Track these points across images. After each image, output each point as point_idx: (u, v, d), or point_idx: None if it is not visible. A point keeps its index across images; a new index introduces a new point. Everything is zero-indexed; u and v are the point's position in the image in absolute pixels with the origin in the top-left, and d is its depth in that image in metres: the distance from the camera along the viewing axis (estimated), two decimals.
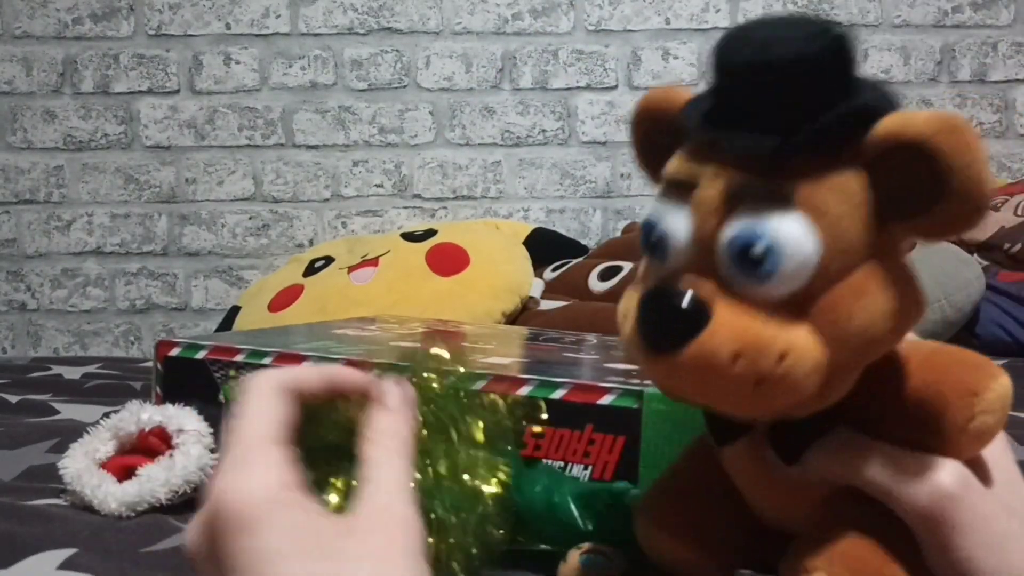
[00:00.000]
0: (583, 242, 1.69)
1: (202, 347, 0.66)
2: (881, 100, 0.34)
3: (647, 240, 0.36)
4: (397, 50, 1.76)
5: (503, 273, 1.42)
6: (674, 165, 0.37)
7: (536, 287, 1.44)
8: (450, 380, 0.44)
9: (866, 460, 0.36)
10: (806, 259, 0.33)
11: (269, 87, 1.76)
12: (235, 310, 1.55)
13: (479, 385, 0.58)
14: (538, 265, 1.50)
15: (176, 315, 1.78)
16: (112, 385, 1.09)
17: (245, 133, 1.76)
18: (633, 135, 0.42)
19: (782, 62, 0.32)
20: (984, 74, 1.77)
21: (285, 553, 0.31)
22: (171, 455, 0.60)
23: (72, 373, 1.17)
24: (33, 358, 1.44)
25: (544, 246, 1.58)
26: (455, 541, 0.40)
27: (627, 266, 1.39)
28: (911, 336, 0.38)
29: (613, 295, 1.34)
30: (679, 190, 0.36)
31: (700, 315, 0.33)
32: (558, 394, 0.55)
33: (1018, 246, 1.39)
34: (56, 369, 1.20)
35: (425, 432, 0.41)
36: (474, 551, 0.41)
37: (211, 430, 0.61)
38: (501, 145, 1.77)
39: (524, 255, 1.50)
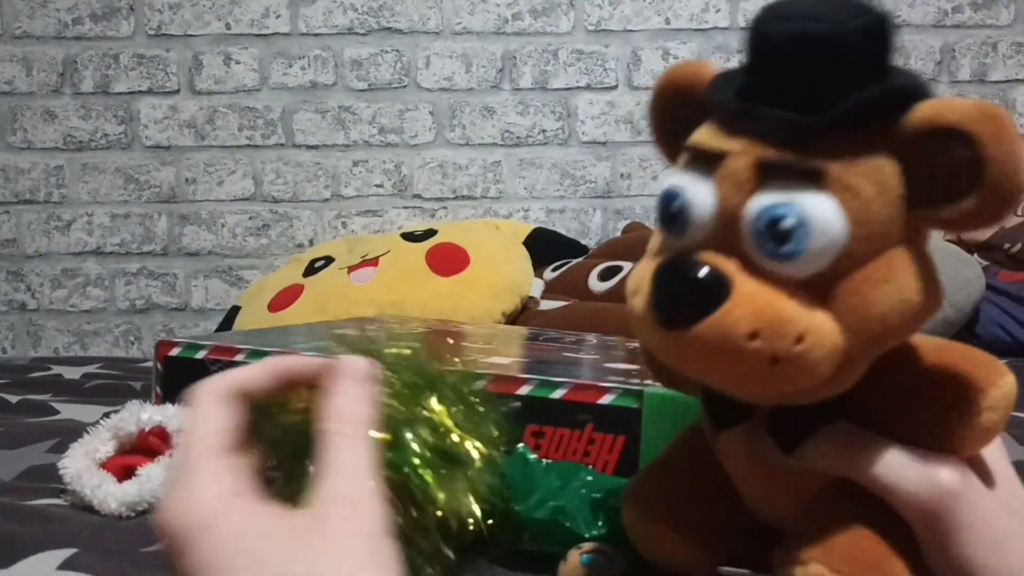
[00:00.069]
0: (583, 242, 1.69)
1: (202, 347, 0.66)
2: (916, 85, 0.34)
3: (666, 211, 0.35)
4: (397, 50, 1.76)
5: (503, 273, 1.42)
6: (701, 136, 0.36)
7: (536, 287, 1.44)
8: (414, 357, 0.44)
9: (866, 454, 0.36)
10: (833, 240, 0.32)
11: (269, 87, 1.76)
12: (235, 310, 1.55)
13: (479, 384, 0.58)
14: (538, 265, 1.50)
15: (176, 315, 1.78)
16: (112, 385, 1.09)
17: (245, 133, 1.76)
18: (653, 107, 0.40)
19: (820, 38, 0.32)
20: (984, 74, 1.77)
21: (232, 564, 0.31)
22: (171, 455, 0.60)
23: (72, 373, 1.17)
24: (33, 358, 1.44)
25: (544, 246, 1.58)
26: (440, 513, 0.39)
27: (627, 266, 1.39)
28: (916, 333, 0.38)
29: (613, 295, 1.34)
30: (705, 162, 0.35)
31: (719, 289, 0.32)
32: (558, 394, 0.56)
33: (1018, 246, 1.39)
34: (56, 369, 1.20)
35: (396, 402, 0.40)
36: (460, 521, 0.41)
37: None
38: (501, 145, 1.77)
39: (524, 255, 1.50)
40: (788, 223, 0.32)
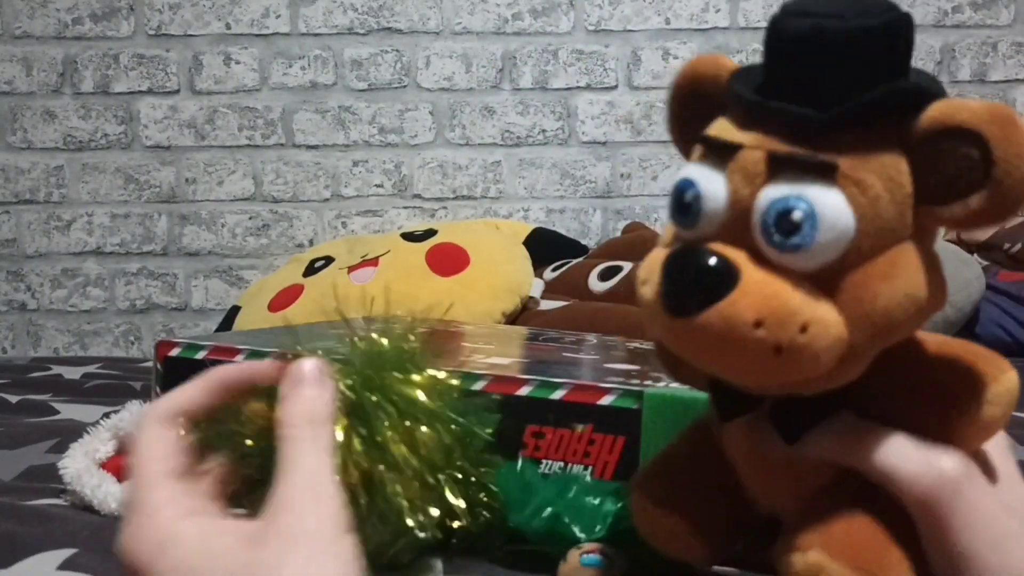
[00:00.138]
0: (583, 242, 1.69)
1: (202, 347, 0.66)
2: (930, 85, 0.34)
3: (678, 202, 0.36)
4: (397, 50, 1.76)
5: (503, 273, 1.42)
6: (717, 128, 0.36)
7: (536, 287, 1.44)
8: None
9: (869, 442, 0.36)
10: (841, 233, 0.33)
11: (269, 87, 1.76)
12: (235, 310, 1.55)
13: (479, 385, 0.58)
14: (538, 265, 1.50)
15: (176, 315, 1.78)
16: (112, 385, 1.09)
17: (245, 133, 1.76)
18: (672, 99, 0.41)
19: (836, 34, 0.33)
20: (984, 74, 1.77)
21: None
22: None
23: (72, 373, 1.17)
24: (33, 358, 1.45)
25: (544, 246, 1.58)
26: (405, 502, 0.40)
27: (627, 266, 1.39)
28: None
29: (613, 295, 1.34)
30: (719, 154, 0.35)
31: (726, 279, 0.33)
32: (558, 394, 0.56)
33: (1018, 246, 1.39)
34: (56, 369, 1.20)
35: (354, 396, 0.40)
36: (431, 508, 0.41)
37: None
38: (501, 145, 1.77)
39: (524, 255, 1.50)
40: (797, 215, 0.33)
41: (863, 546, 0.35)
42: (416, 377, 0.42)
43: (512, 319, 1.37)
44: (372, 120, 1.76)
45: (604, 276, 1.40)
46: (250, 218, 1.77)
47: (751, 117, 0.35)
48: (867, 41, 0.33)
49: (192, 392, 0.38)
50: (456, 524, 0.45)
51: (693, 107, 0.39)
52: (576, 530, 0.49)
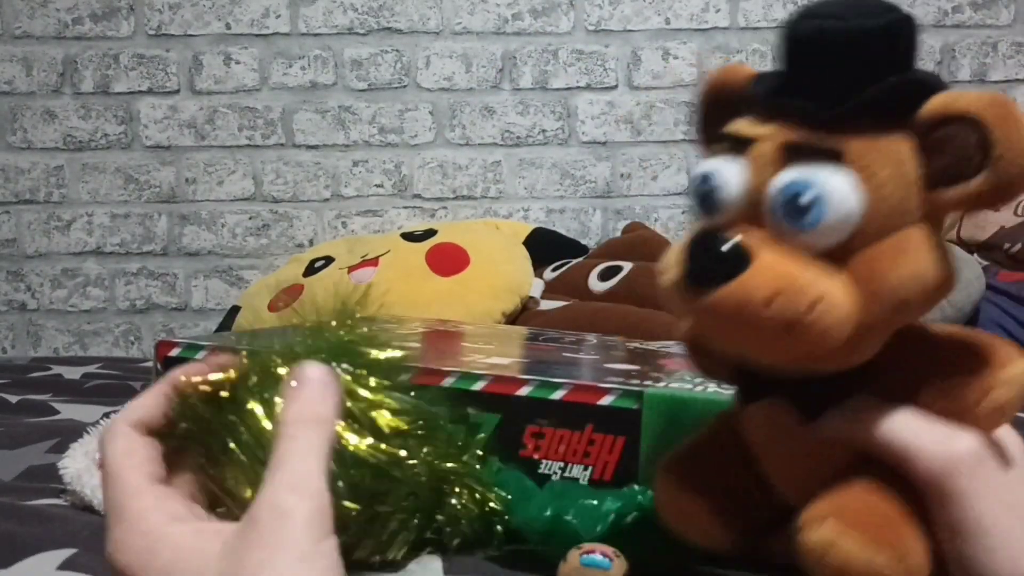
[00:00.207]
0: (583, 242, 1.69)
1: (202, 347, 0.66)
2: (932, 80, 0.37)
3: (699, 192, 0.38)
4: (397, 50, 1.76)
5: (503, 273, 1.42)
6: (736, 125, 0.39)
7: (536, 287, 1.44)
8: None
9: (885, 420, 0.37)
10: (850, 213, 0.35)
11: (269, 87, 1.76)
12: (235, 310, 1.55)
13: (480, 385, 0.58)
14: (538, 265, 1.49)
15: (176, 315, 1.78)
16: (112, 385, 1.09)
17: (245, 133, 1.76)
18: (701, 103, 0.44)
19: (842, 34, 0.36)
20: (984, 74, 1.77)
21: None
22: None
23: (72, 373, 1.17)
24: (33, 358, 1.45)
25: (544, 246, 1.58)
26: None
27: (627, 266, 1.39)
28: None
29: (613, 295, 1.34)
30: (737, 147, 0.38)
31: (741, 259, 0.35)
32: (558, 395, 0.56)
33: (1018, 246, 1.39)
34: (56, 369, 1.20)
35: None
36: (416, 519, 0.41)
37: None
38: (501, 145, 1.77)
39: (524, 255, 1.50)
40: (807, 197, 0.35)
41: (879, 520, 0.36)
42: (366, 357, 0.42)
43: (512, 319, 1.37)
44: (372, 120, 1.76)
45: (604, 276, 1.40)
46: (250, 218, 1.77)
47: (767, 113, 0.38)
48: (867, 40, 0.36)
49: (146, 403, 0.38)
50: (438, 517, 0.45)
51: (717, 111, 0.42)
52: (578, 529, 0.49)
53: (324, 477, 0.34)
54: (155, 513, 0.34)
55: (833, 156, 0.35)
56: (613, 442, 0.54)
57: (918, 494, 0.37)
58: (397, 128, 1.76)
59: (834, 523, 0.36)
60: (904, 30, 0.36)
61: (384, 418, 0.43)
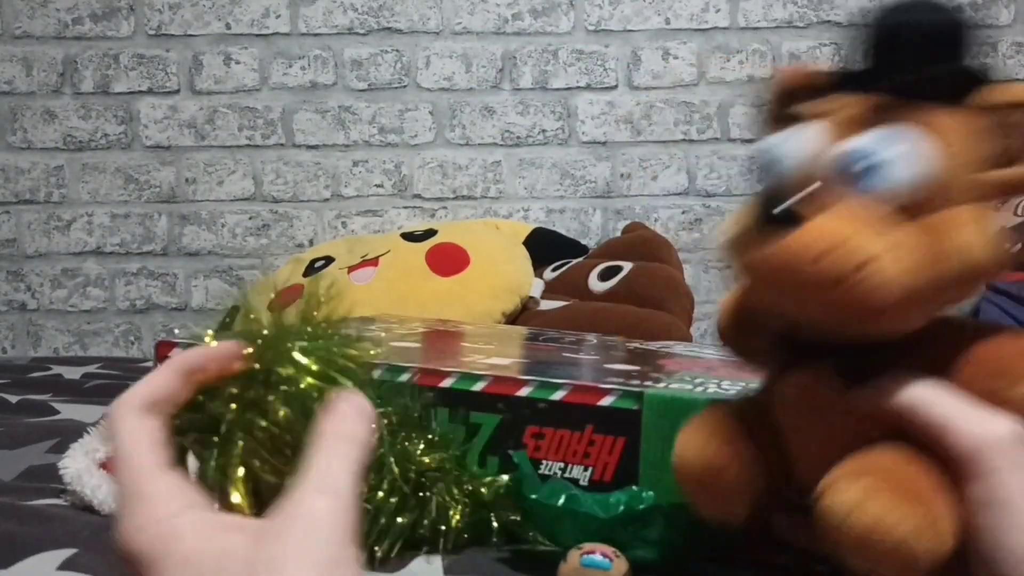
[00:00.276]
0: (583, 242, 1.69)
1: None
2: (989, 68, 0.41)
3: (763, 160, 0.41)
4: (397, 50, 1.76)
5: (503, 273, 1.42)
6: (810, 105, 0.41)
7: (536, 287, 1.44)
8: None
9: (927, 394, 0.38)
10: (926, 175, 0.37)
11: (269, 87, 1.76)
12: (235, 310, 1.55)
13: (480, 385, 0.58)
14: (538, 265, 1.49)
15: (176, 315, 1.78)
16: (112, 385, 1.09)
17: (245, 133, 1.76)
18: (773, 90, 0.46)
19: (928, 26, 0.39)
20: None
21: None
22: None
23: (72, 373, 1.17)
24: (33, 358, 1.45)
25: (544, 246, 1.58)
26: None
27: (627, 266, 1.39)
28: None
29: (613, 295, 1.34)
30: (809, 120, 0.40)
31: (795, 218, 0.37)
32: (558, 395, 0.56)
33: (1018, 246, 1.39)
34: (56, 369, 1.20)
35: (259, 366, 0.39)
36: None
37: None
38: (501, 145, 1.77)
39: (524, 255, 1.50)
40: (873, 160, 0.37)
41: (911, 484, 0.36)
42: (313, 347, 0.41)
43: (512, 319, 1.37)
44: (372, 120, 1.76)
45: (604, 276, 1.40)
46: (250, 218, 1.77)
47: (843, 89, 0.40)
48: (945, 31, 0.39)
49: (161, 380, 0.37)
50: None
51: (784, 98, 0.44)
52: (592, 512, 0.50)
53: (353, 487, 0.34)
54: (170, 499, 0.33)
55: (906, 123, 0.37)
56: (613, 443, 0.54)
57: (947, 469, 0.37)
58: (397, 128, 1.76)
59: (866, 481, 0.36)
60: (968, 25, 0.40)
61: None
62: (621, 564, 0.47)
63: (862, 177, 0.37)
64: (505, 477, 0.54)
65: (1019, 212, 1.43)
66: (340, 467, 0.35)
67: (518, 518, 0.53)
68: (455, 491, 0.52)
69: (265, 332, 0.41)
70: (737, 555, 0.52)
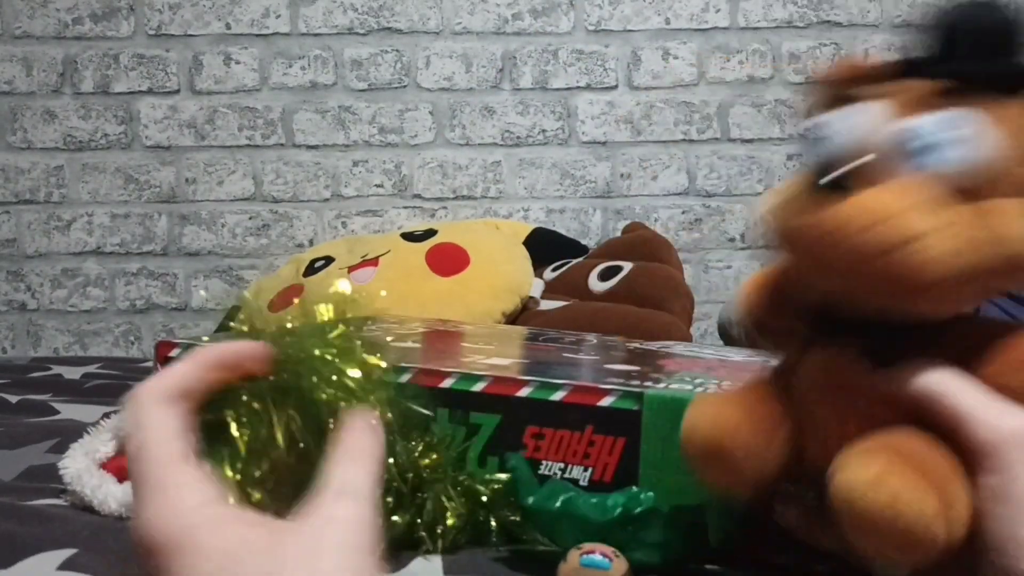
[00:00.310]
0: (583, 242, 1.69)
1: (202, 347, 0.66)
2: None
3: (814, 137, 0.41)
4: (397, 50, 1.76)
5: (503, 273, 1.42)
6: (871, 88, 0.41)
7: (536, 287, 1.44)
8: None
9: (952, 382, 0.38)
10: (989, 159, 0.37)
11: (269, 87, 1.76)
12: (235, 310, 1.55)
13: (479, 386, 0.58)
14: (538, 265, 1.49)
15: (176, 315, 1.78)
16: (112, 385, 1.09)
17: (245, 133, 1.76)
18: (827, 80, 0.45)
19: (985, 24, 0.40)
20: None
21: None
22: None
23: (72, 373, 1.17)
24: (33, 358, 1.45)
25: (544, 246, 1.58)
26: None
27: (627, 266, 1.39)
28: None
29: (613, 295, 1.34)
30: (867, 100, 0.41)
31: (847, 188, 0.37)
32: (558, 395, 0.56)
33: None
34: (56, 369, 1.20)
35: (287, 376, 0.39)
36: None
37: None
38: (501, 145, 1.77)
39: (524, 255, 1.50)
40: (934, 138, 0.37)
41: (930, 466, 0.36)
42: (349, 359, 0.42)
43: (512, 319, 1.37)
44: (372, 120, 1.76)
45: (604, 276, 1.40)
46: (250, 218, 1.77)
47: (905, 75, 0.41)
48: (1005, 28, 0.40)
49: (187, 371, 0.37)
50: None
51: (838, 86, 0.44)
52: (589, 515, 0.50)
53: (374, 496, 0.34)
54: (193, 492, 0.33)
55: (981, 108, 0.38)
56: (613, 443, 0.54)
57: (963, 460, 0.37)
58: (397, 128, 1.76)
59: (885, 458, 0.36)
60: (1017, 24, 0.40)
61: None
62: (621, 564, 0.47)
63: (919, 155, 0.38)
64: (504, 476, 0.54)
65: None
66: (361, 477, 0.35)
67: (517, 518, 0.53)
68: (452, 491, 0.52)
69: (288, 339, 0.41)
70: (737, 555, 0.52)
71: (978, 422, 0.37)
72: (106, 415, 0.66)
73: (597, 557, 0.47)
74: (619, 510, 0.50)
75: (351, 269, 1.45)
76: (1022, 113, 0.38)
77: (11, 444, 0.76)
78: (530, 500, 0.51)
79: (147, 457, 0.34)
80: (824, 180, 0.38)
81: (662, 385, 0.57)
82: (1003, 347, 0.39)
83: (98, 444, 0.62)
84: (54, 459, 0.64)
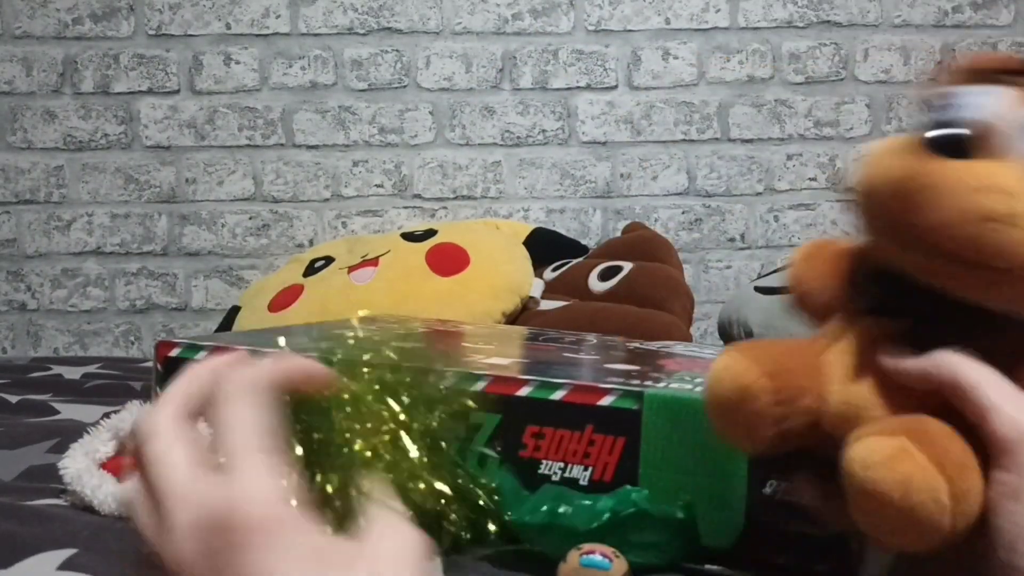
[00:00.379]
0: (583, 242, 1.69)
1: (202, 347, 0.66)
2: None
3: (940, 105, 0.40)
4: (397, 50, 1.76)
5: (503, 273, 1.42)
6: (1009, 78, 0.41)
7: (536, 287, 1.44)
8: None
9: (979, 372, 0.38)
10: None
11: (269, 87, 1.76)
12: (235, 310, 1.55)
13: (480, 385, 0.58)
14: (538, 265, 1.49)
15: (176, 315, 1.78)
16: (112, 385, 1.09)
17: (245, 133, 1.76)
18: (965, 66, 0.45)
19: None
20: None
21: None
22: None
23: (72, 373, 1.17)
24: (33, 358, 1.44)
25: (544, 246, 1.58)
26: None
27: (627, 266, 1.39)
28: None
29: (613, 295, 1.34)
30: (1005, 85, 0.40)
31: (963, 151, 0.37)
32: (558, 395, 0.56)
33: None
34: (56, 369, 1.20)
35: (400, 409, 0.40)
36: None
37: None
38: (501, 145, 1.77)
39: (524, 255, 1.50)
40: None
41: (950, 456, 0.36)
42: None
43: (512, 319, 1.37)
44: (372, 120, 1.76)
45: (604, 276, 1.40)
46: (250, 218, 1.77)
47: None
48: None
49: (275, 370, 0.37)
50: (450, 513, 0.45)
51: (975, 73, 0.44)
52: (573, 525, 0.50)
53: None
54: (272, 488, 0.33)
55: None
56: (613, 443, 0.54)
57: (983, 454, 0.37)
58: (397, 128, 1.76)
59: (900, 440, 0.36)
60: None
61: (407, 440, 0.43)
62: (621, 564, 0.47)
63: None
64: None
65: None
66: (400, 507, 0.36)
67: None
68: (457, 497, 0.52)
69: (367, 372, 0.42)
70: (737, 555, 0.52)
71: (999, 416, 0.37)
72: (106, 415, 0.66)
73: (597, 557, 0.47)
74: (607, 515, 0.50)
75: (351, 269, 1.45)
76: None
77: (11, 444, 0.76)
78: (511, 516, 0.51)
79: (229, 442, 0.34)
80: (936, 134, 0.38)
81: (662, 385, 0.57)
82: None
83: (98, 444, 0.62)
84: (54, 459, 0.64)
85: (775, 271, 1.44)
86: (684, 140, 1.77)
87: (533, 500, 0.52)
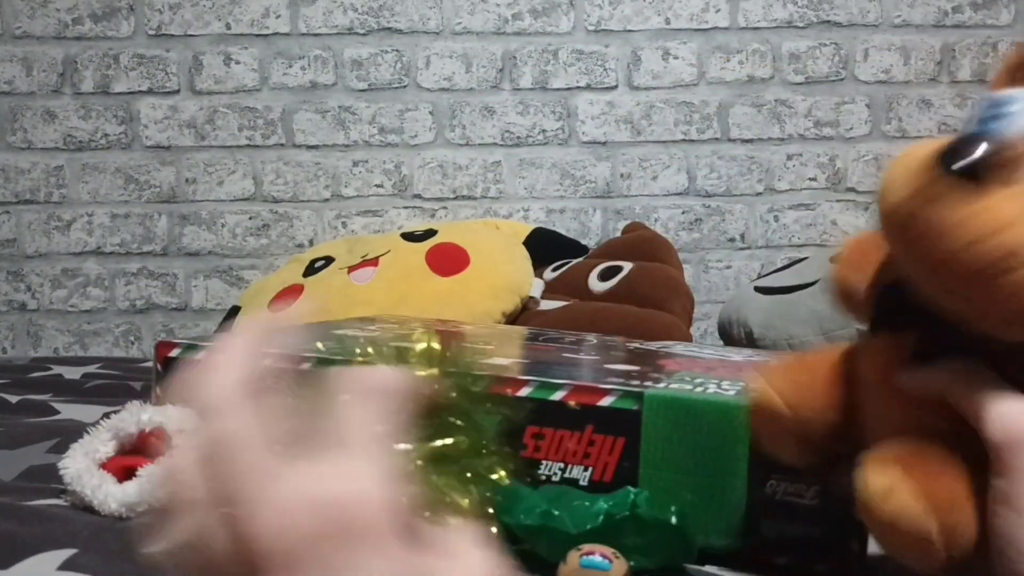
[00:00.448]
0: (583, 242, 1.69)
1: (202, 347, 0.66)
2: None
3: (987, 107, 0.39)
4: (397, 50, 1.76)
5: (503, 273, 1.42)
6: None
7: (536, 287, 1.44)
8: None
9: (979, 380, 0.38)
10: None
11: (269, 87, 1.76)
12: (235, 310, 1.55)
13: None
14: (538, 265, 1.49)
15: (176, 315, 1.78)
16: (112, 385, 1.09)
17: (245, 133, 1.76)
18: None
19: None
20: (984, 74, 1.77)
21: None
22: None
23: (72, 373, 1.17)
24: (33, 358, 1.44)
25: (544, 246, 1.58)
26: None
27: (627, 266, 1.39)
28: None
29: (613, 295, 1.34)
30: None
31: (981, 173, 0.35)
32: (558, 395, 0.56)
33: None
34: (56, 369, 1.20)
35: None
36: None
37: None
38: (501, 145, 1.77)
39: (524, 255, 1.50)
40: None
41: (943, 489, 0.37)
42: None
43: (512, 319, 1.37)
44: (372, 120, 1.76)
45: (604, 276, 1.40)
46: (250, 218, 1.77)
47: None
48: None
49: (385, 378, 0.36)
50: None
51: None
52: (569, 526, 0.49)
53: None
54: (388, 486, 0.32)
55: None
56: (613, 443, 0.54)
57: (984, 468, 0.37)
58: (397, 128, 1.76)
59: (899, 472, 0.36)
60: None
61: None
62: (621, 565, 0.47)
63: None
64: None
65: None
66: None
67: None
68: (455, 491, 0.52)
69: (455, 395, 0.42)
70: (737, 555, 0.52)
71: (991, 422, 0.37)
72: (106, 415, 0.66)
73: (597, 558, 0.47)
74: (601, 518, 0.50)
75: (351, 269, 1.45)
76: None
77: (11, 444, 0.76)
78: (505, 519, 0.51)
79: (348, 433, 0.33)
80: (956, 166, 0.35)
81: (662, 385, 0.57)
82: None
83: (98, 444, 0.62)
84: (54, 459, 0.64)
85: (775, 271, 1.44)
86: (684, 140, 1.77)
87: (528, 501, 0.52)
